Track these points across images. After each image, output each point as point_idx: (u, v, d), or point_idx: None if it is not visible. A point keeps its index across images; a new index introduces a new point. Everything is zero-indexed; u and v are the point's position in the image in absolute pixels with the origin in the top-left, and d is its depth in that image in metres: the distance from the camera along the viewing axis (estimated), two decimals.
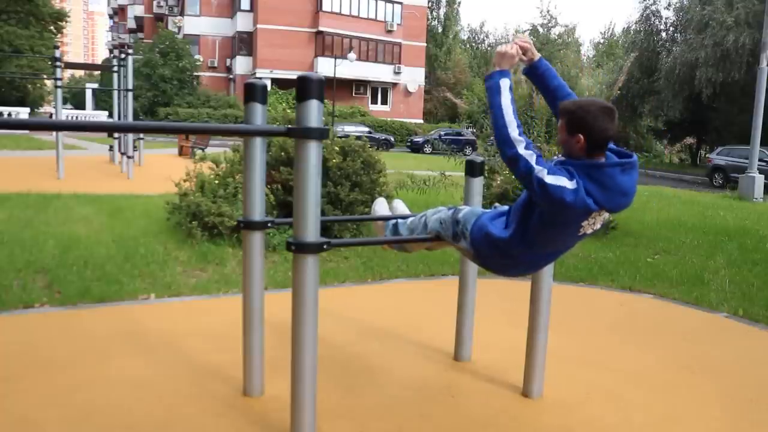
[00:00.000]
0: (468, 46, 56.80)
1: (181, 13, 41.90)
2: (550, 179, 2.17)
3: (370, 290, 5.08)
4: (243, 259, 2.88)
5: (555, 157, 2.50)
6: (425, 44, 43.46)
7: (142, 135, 14.25)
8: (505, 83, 2.37)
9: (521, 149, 2.24)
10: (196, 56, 38.12)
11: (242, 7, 38.58)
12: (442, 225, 2.75)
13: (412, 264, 5.74)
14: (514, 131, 2.27)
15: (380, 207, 3.30)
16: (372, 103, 40.94)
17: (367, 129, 31.66)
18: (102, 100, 38.64)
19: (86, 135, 23.76)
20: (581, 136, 2.22)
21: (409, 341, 3.81)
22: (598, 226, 2.37)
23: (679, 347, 3.94)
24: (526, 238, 2.41)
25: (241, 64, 38.91)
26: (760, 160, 16.36)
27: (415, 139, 31.72)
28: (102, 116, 31.54)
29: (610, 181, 2.20)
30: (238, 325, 2.97)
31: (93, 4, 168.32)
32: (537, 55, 2.57)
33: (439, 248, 3.09)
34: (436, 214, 2.83)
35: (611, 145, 2.33)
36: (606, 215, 2.34)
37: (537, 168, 2.20)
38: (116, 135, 13.73)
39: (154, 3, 45.28)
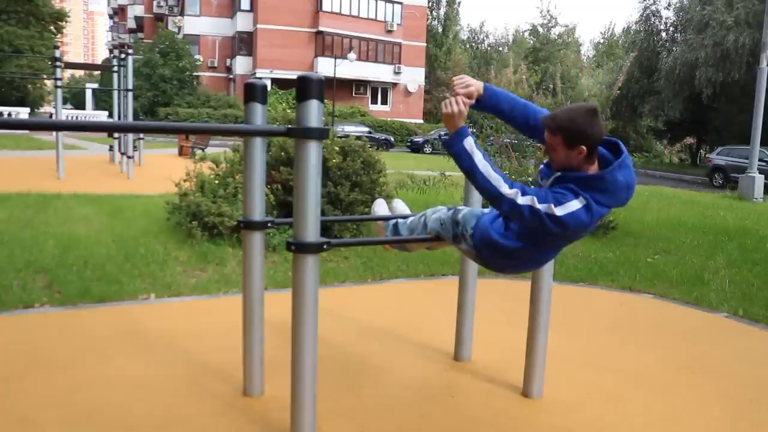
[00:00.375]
0: (468, 46, 56.81)
1: (181, 13, 41.90)
2: (560, 211, 2.14)
3: (370, 290, 5.08)
4: (243, 259, 2.88)
5: (541, 166, 2.48)
6: (425, 44, 43.46)
7: (142, 135, 14.25)
8: (468, 143, 2.26)
9: (519, 199, 2.19)
10: (196, 56, 38.12)
11: (242, 7, 38.59)
12: (442, 225, 2.75)
13: (412, 264, 5.74)
14: (503, 187, 2.22)
15: (379, 208, 3.30)
16: (372, 103, 40.94)
17: (367, 129, 31.66)
18: (102, 100, 38.64)
19: (86, 135, 23.76)
20: (583, 147, 2.19)
21: (409, 341, 3.81)
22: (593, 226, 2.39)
23: (679, 347, 3.94)
24: (530, 241, 2.42)
25: (241, 64, 38.92)
26: (760, 160, 16.37)
27: (415, 139, 31.73)
28: (102, 116, 31.54)
29: (613, 184, 2.20)
30: (238, 325, 2.97)
31: (93, 4, 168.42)
32: (480, 85, 2.39)
33: (439, 248, 3.09)
34: (435, 214, 2.83)
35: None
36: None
37: (542, 207, 2.16)
38: (116, 135, 13.73)
39: (154, 3, 45.28)
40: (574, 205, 2.16)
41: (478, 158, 2.25)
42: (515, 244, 2.43)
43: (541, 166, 2.48)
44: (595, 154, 2.25)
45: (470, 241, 2.61)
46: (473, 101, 2.39)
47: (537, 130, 2.39)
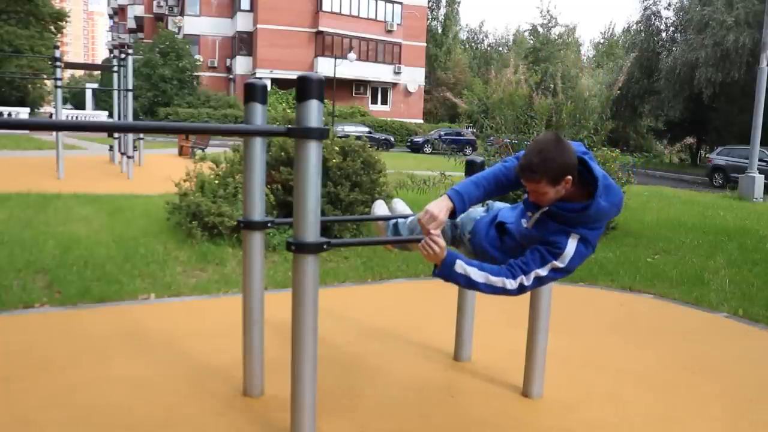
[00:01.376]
0: (468, 46, 56.81)
1: (181, 13, 41.89)
2: (563, 262, 2.19)
3: (370, 290, 5.08)
4: (243, 259, 2.88)
5: (521, 203, 2.42)
6: (425, 44, 43.45)
7: (142, 135, 14.25)
8: (459, 267, 2.25)
9: (526, 282, 2.24)
10: (196, 56, 38.10)
11: (242, 7, 38.57)
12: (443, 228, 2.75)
13: (412, 264, 5.74)
14: (507, 284, 2.24)
15: (379, 208, 3.30)
16: (372, 103, 40.93)
17: (367, 129, 31.64)
18: (102, 100, 38.62)
19: (86, 135, 23.76)
20: (569, 177, 2.14)
21: (409, 341, 3.81)
22: None
23: (679, 347, 3.94)
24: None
25: (241, 64, 38.91)
26: (760, 160, 16.36)
27: (415, 139, 31.71)
28: (102, 116, 31.53)
29: (599, 213, 2.18)
30: (238, 325, 2.97)
31: (93, 4, 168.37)
32: (444, 208, 2.24)
33: None
34: None
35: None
36: None
37: (547, 272, 2.21)
38: (116, 135, 13.73)
39: (154, 3, 45.27)
40: (572, 246, 2.17)
41: (474, 273, 2.25)
42: (506, 257, 2.43)
43: (520, 202, 2.42)
44: (577, 173, 2.19)
45: (468, 245, 2.63)
46: (447, 222, 2.39)
47: (518, 182, 2.30)
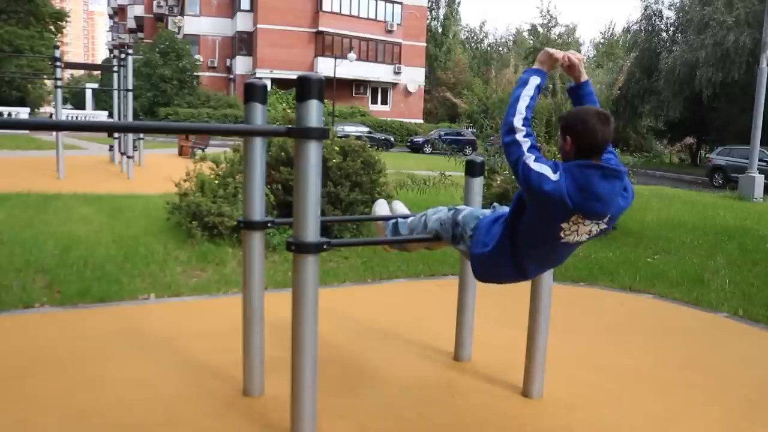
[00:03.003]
0: (468, 46, 56.80)
1: (181, 13, 41.89)
2: (535, 165, 2.23)
3: (370, 290, 5.08)
4: (243, 259, 2.88)
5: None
6: (425, 44, 43.45)
7: (142, 135, 14.25)
8: (534, 80, 2.42)
9: (519, 136, 2.31)
10: (196, 56, 38.08)
11: (242, 7, 38.56)
12: (442, 226, 2.76)
13: (412, 264, 5.74)
14: (518, 120, 2.33)
15: (380, 208, 3.30)
16: (372, 103, 40.93)
17: (367, 129, 31.64)
18: (102, 100, 38.59)
19: (86, 135, 23.75)
20: (569, 138, 2.27)
21: (409, 341, 3.81)
22: (581, 237, 2.32)
23: (679, 347, 3.94)
24: (511, 245, 2.42)
25: (241, 64, 38.90)
26: (760, 160, 16.35)
27: (415, 139, 31.70)
28: (102, 116, 31.52)
29: (587, 182, 2.19)
30: (238, 325, 2.97)
31: (93, 4, 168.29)
32: (584, 77, 2.57)
33: (439, 248, 3.10)
34: (436, 214, 2.84)
35: (611, 159, 2.36)
36: (591, 229, 2.29)
37: (527, 154, 2.27)
38: (116, 135, 13.73)
39: (154, 3, 45.28)
40: (548, 171, 2.22)
41: (527, 90, 2.40)
42: (496, 252, 2.45)
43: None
44: (591, 157, 2.24)
45: (469, 242, 2.61)
46: (572, 73, 2.58)
47: None
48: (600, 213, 2.24)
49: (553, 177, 2.20)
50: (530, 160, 2.25)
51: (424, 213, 2.94)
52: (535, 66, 2.48)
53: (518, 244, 2.40)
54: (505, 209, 2.67)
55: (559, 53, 2.50)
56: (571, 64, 2.53)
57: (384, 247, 3.31)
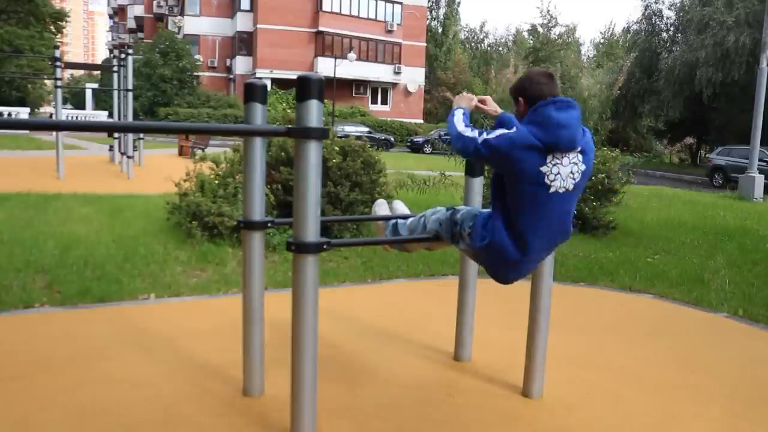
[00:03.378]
0: (468, 46, 56.77)
1: (181, 13, 41.88)
2: (491, 136, 2.42)
3: (370, 290, 5.08)
4: (243, 259, 2.88)
5: None
6: (425, 44, 43.44)
7: (142, 135, 14.25)
8: (458, 111, 2.66)
9: (466, 133, 2.51)
10: (196, 56, 38.07)
11: (242, 7, 38.56)
12: (441, 226, 2.77)
13: (412, 264, 5.74)
14: (460, 127, 2.56)
15: (380, 208, 3.31)
16: (372, 103, 40.92)
17: (367, 129, 31.63)
18: (102, 100, 38.59)
19: (86, 135, 23.76)
20: (521, 100, 2.52)
21: (409, 341, 3.81)
22: (567, 183, 2.43)
23: (679, 347, 3.94)
24: (507, 223, 2.48)
25: (241, 64, 38.90)
26: (760, 160, 16.36)
27: (415, 139, 31.69)
28: (102, 116, 31.52)
29: (544, 116, 2.38)
30: (238, 325, 2.97)
31: (93, 4, 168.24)
32: (498, 110, 2.77)
33: (439, 248, 3.10)
34: (434, 215, 2.85)
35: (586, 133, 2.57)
36: (572, 170, 2.43)
37: (479, 137, 2.45)
38: (116, 135, 13.73)
39: (154, 3, 45.27)
40: (503, 132, 2.41)
41: (457, 115, 2.64)
42: (496, 237, 2.49)
43: None
44: (537, 105, 2.45)
45: (468, 240, 2.63)
46: (488, 108, 2.82)
47: None
48: (569, 140, 2.39)
49: (511, 131, 2.40)
50: (485, 136, 2.44)
51: (423, 214, 2.95)
52: (453, 106, 2.74)
53: (513, 217, 2.46)
54: None
55: (471, 102, 2.78)
56: (481, 107, 2.81)
57: (384, 247, 3.32)
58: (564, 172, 2.40)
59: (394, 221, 3.12)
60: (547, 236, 2.54)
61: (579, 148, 2.44)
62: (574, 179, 2.44)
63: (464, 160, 3.50)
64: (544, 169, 2.37)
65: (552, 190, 2.40)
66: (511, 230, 2.48)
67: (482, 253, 2.58)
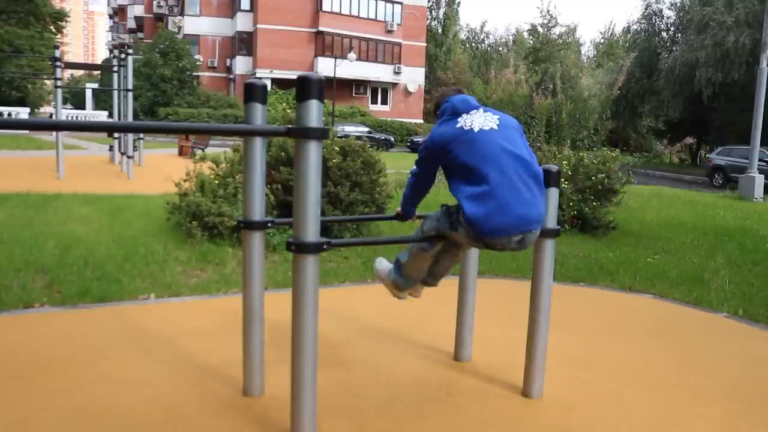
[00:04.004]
0: (468, 46, 56.76)
1: (181, 13, 41.89)
2: (427, 141, 2.80)
3: (370, 290, 5.07)
4: (243, 259, 2.88)
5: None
6: (425, 44, 43.43)
7: (142, 135, 14.25)
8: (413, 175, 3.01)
9: (413, 169, 2.94)
10: (196, 56, 38.07)
11: (242, 7, 38.56)
12: (439, 221, 2.82)
13: None
14: (413, 170, 2.95)
15: (379, 263, 3.35)
16: (372, 103, 40.92)
17: (367, 129, 31.63)
18: (102, 100, 38.59)
19: (86, 135, 23.76)
20: (438, 112, 2.90)
21: (409, 341, 3.81)
22: (486, 124, 2.70)
23: (679, 347, 3.94)
24: (466, 181, 2.65)
25: (241, 64, 38.90)
26: (760, 160, 16.35)
27: (415, 139, 31.66)
28: (102, 116, 31.52)
29: (444, 109, 2.86)
30: (238, 325, 2.97)
31: (93, 4, 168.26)
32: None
33: (447, 261, 3.12)
34: (427, 219, 2.94)
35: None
36: (482, 117, 2.73)
37: (418, 158, 2.88)
38: (116, 135, 13.73)
39: (154, 3, 45.26)
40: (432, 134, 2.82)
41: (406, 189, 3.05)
42: (463, 191, 2.68)
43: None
44: (447, 111, 2.83)
45: (461, 218, 2.65)
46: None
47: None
48: (462, 102, 2.80)
49: (436, 130, 2.80)
50: (420, 154, 2.84)
51: (418, 230, 3.02)
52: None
53: (466, 172, 2.65)
54: None
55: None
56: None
57: (395, 294, 3.27)
58: (478, 120, 2.72)
59: (395, 260, 3.18)
60: (499, 165, 2.61)
61: (480, 108, 2.80)
62: (493, 123, 2.72)
63: None
64: (458, 125, 2.72)
65: (476, 128, 2.68)
66: (471, 177, 2.64)
67: (469, 219, 2.59)
